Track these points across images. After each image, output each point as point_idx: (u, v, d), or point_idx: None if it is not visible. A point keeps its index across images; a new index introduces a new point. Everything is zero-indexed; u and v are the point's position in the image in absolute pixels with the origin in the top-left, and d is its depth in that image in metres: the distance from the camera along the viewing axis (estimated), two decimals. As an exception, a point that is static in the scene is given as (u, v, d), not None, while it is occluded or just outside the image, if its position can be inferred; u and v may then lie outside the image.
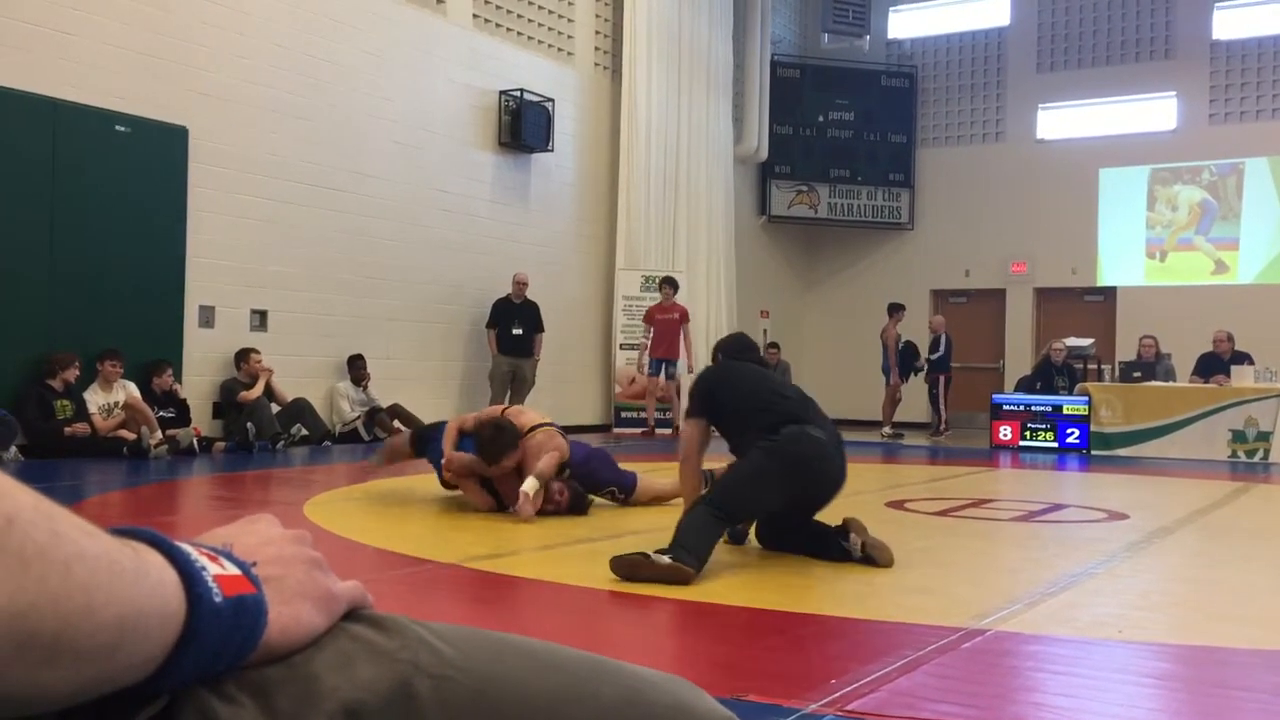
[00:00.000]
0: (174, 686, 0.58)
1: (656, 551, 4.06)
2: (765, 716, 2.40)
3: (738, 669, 2.94)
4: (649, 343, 13.64)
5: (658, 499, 6.31)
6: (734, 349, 5.14)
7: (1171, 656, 3.20)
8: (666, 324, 13.61)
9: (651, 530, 5.44)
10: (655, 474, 6.62)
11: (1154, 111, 16.81)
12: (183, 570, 0.58)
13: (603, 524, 5.56)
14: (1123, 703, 2.68)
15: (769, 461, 4.41)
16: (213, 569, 0.60)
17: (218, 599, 0.59)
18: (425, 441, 6.44)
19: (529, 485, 5.55)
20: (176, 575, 0.58)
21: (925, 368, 14.77)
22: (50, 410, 8.51)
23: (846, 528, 4.52)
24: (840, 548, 4.49)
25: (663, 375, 13.63)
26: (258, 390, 9.79)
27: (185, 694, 0.59)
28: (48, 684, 0.51)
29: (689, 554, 4.07)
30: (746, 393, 4.66)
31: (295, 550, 0.70)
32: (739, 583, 4.16)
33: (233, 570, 0.62)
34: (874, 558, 4.42)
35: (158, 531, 0.60)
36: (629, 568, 4.03)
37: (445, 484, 6.42)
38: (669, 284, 13.72)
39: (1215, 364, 12.32)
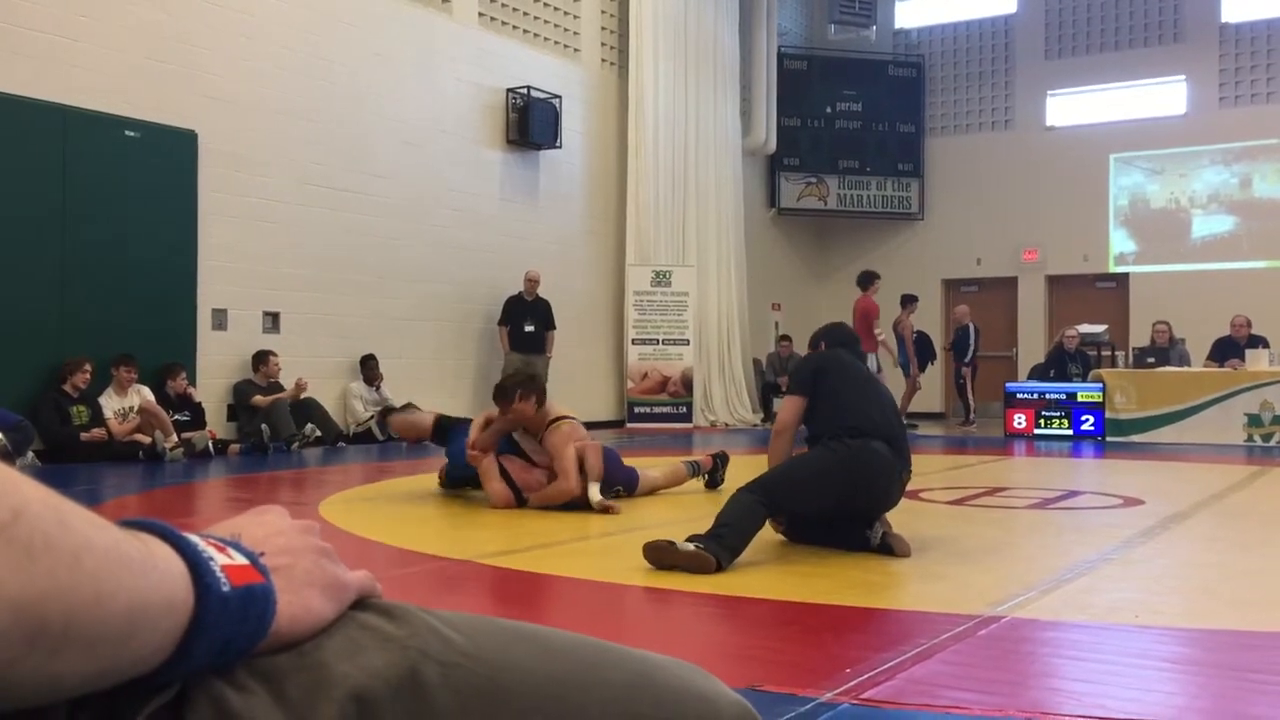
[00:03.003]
0: (185, 675, 0.59)
1: (688, 539, 4.10)
2: (781, 706, 2.40)
3: (753, 659, 2.94)
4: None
5: (654, 490, 6.54)
6: (838, 338, 5.12)
7: (1188, 641, 3.19)
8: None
9: (662, 524, 5.45)
10: (652, 468, 6.67)
11: (1163, 96, 16.73)
12: (190, 560, 0.59)
13: (614, 519, 5.57)
14: (1140, 687, 2.68)
15: (831, 465, 4.44)
16: (220, 559, 0.60)
17: (225, 588, 0.59)
18: (447, 431, 6.45)
19: (594, 494, 5.72)
20: (184, 566, 0.58)
21: (936, 358, 14.76)
22: (66, 416, 8.56)
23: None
24: (861, 537, 4.49)
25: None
26: (287, 396, 9.90)
27: (197, 683, 0.60)
28: (59, 674, 0.51)
29: (722, 545, 4.10)
30: (848, 387, 4.67)
31: (303, 540, 0.70)
32: (754, 573, 4.16)
33: (240, 560, 0.62)
34: (892, 547, 4.42)
35: (165, 523, 0.60)
36: (656, 554, 4.09)
37: (447, 481, 6.47)
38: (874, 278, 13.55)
39: (1231, 348, 12.26)
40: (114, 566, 0.53)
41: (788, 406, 4.80)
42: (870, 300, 13.35)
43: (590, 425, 6.45)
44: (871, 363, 13.11)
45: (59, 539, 0.50)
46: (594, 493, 5.72)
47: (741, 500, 4.31)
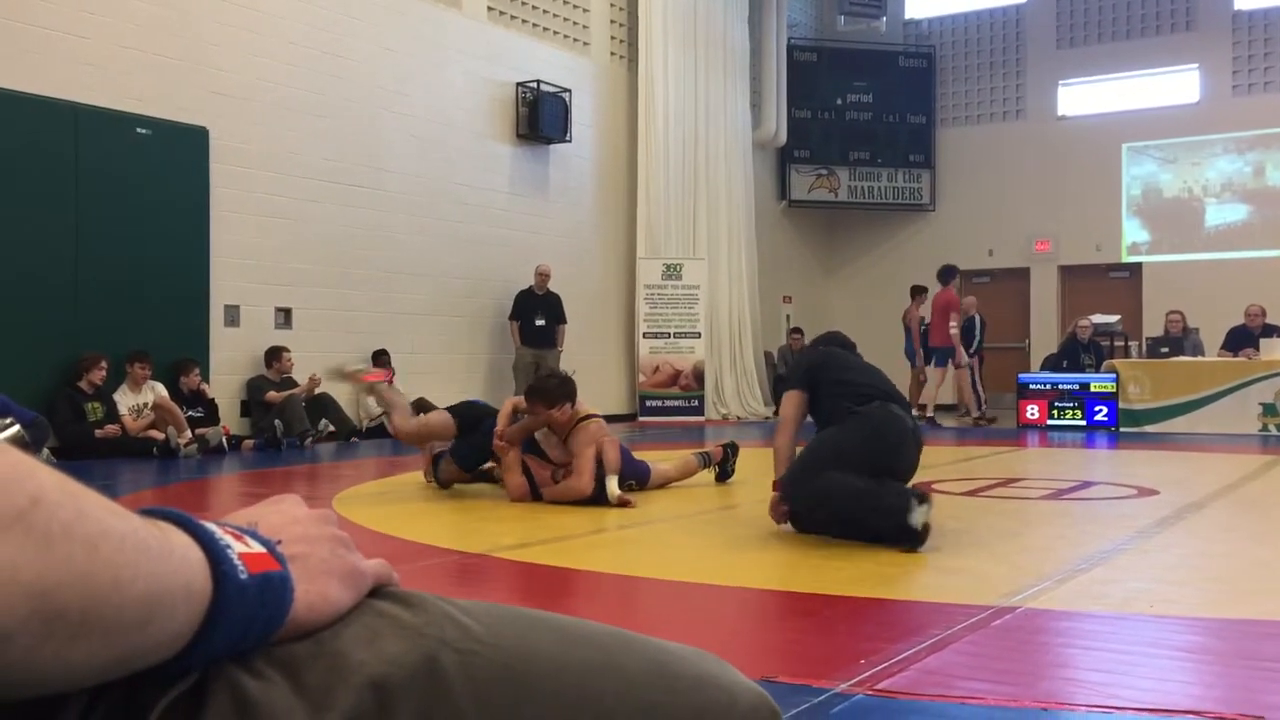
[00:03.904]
0: (203, 663, 0.59)
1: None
2: (796, 697, 2.40)
3: (768, 650, 2.94)
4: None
5: (667, 483, 6.49)
6: (834, 340, 5.35)
7: (1204, 630, 3.18)
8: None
9: (675, 517, 5.46)
10: (663, 462, 6.66)
11: (1176, 85, 16.65)
12: (208, 548, 0.59)
13: (627, 512, 5.57)
14: (1155, 677, 2.67)
15: (850, 438, 4.55)
16: (238, 547, 0.61)
17: (243, 576, 0.59)
18: (471, 427, 6.37)
19: (612, 487, 5.71)
20: (202, 553, 0.58)
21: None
22: (81, 412, 8.60)
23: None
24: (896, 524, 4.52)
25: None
26: (300, 392, 9.95)
27: (215, 671, 0.60)
28: (78, 660, 0.51)
29: (903, 503, 4.22)
30: (847, 372, 4.87)
31: (320, 529, 0.70)
32: (767, 565, 4.16)
33: (258, 548, 0.62)
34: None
35: (182, 511, 0.60)
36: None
37: (466, 472, 6.47)
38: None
39: (1245, 337, 12.20)
40: (131, 553, 0.53)
41: (788, 401, 4.92)
42: (952, 294, 13.43)
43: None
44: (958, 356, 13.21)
45: (76, 526, 0.50)
46: (612, 486, 5.72)
47: (840, 482, 4.37)
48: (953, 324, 13.27)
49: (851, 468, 4.46)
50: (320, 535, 0.70)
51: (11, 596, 0.47)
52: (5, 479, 0.48)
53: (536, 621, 0.72)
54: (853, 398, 4.66)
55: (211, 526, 0.61)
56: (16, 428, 0.72)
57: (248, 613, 0.59)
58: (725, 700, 0.73)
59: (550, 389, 5.85)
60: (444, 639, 0.66)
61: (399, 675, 0.63)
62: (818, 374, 4.87)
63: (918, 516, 4.23)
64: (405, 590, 0.72)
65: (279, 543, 0.65)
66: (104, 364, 8.72)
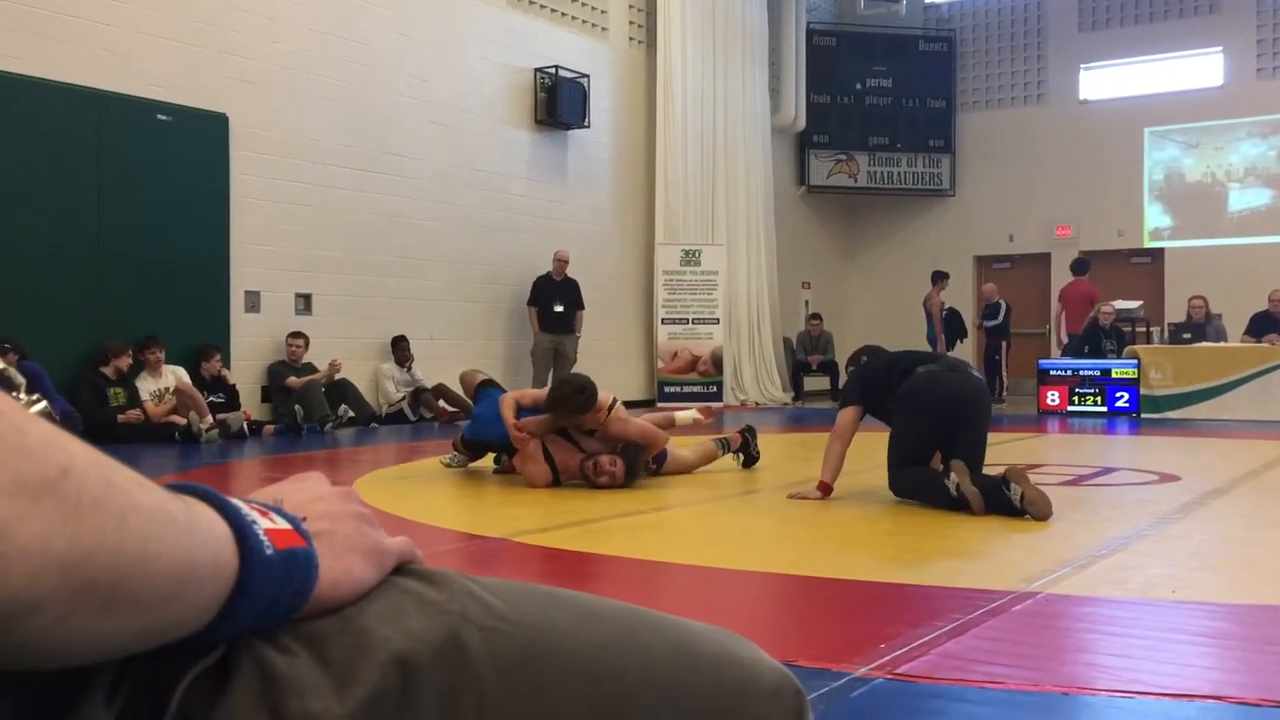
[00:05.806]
0: (229, 637, 0.60)
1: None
2: (815, 680, 2.40)
3: (787, 635, 2.95)
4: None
5: (685, 470, 6.42)
6: (872, 351, 5.80)
7: (1225, 616, 3.16)
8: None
9: (696, 502, 5.47)
10: (682, 448, 6.63)
11: (1199, 68, 16.48)
12: (234, 524, 0.59)
13: (647, 498, 5.58)
14: (1176, 662, 2.66)
15: (910, 406, 4.98)
16: (264, 523, 0.61)
17: (269, 551, 0.60)
18: (478, 429, 6.57)
19: (688, 414, 5.99)
20: (228, 528, 0.59)
21: (967, 335, 14.74)
22: (104, 398, 8.67)
23: (1008, 478, 4.68)
24: (1003, 498, 4.62)
25: None
26: (321, 377, 10.00)
27: (241, 645, 0.61)
28: (108, 632, 0.52)
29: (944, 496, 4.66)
30: (883, 369, 5.28)
31: (344, 506, 0.71)
32: (787, 550, 4.16)
33: (283, 525, 0.63)
34: (1030, 511, 4.58)
35: (209, 487, 0.61)
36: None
37: (465, 444, 6.55)
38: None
39: (1268, 323, 12.11)
40: (159, 526, 0.53)
41: (842, 417, 5.30)
42: (1086, 284, 13.62)
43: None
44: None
45: (106, 497, 0.51)
46: (687, 414, 5.96)
47: (912, 477, 4.89)
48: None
49: (917, 448, 4.96)
50: (344, 512, 0.70)
51: (42, 566, 0.48)
52: (37, 449, 0.49)
53: (559, 599, 0.72)
54: (893, 387, 5.04)
55: (238, 502, 0.61)
56: (44, 404, 0.72)
57: (273, 588, 0.60)
58: (748, 678, 0.73)
59: (570, 398, 5.78)
60: (467, 615, 0.67)
61: (423, 651, 0.64)
62: (867, 382, 5.26)
63: (951, 484, 4.70)
64: (429, 568, 0.72)
65: (304, 519, 0.66)
66: (130, 351, 8.82)
